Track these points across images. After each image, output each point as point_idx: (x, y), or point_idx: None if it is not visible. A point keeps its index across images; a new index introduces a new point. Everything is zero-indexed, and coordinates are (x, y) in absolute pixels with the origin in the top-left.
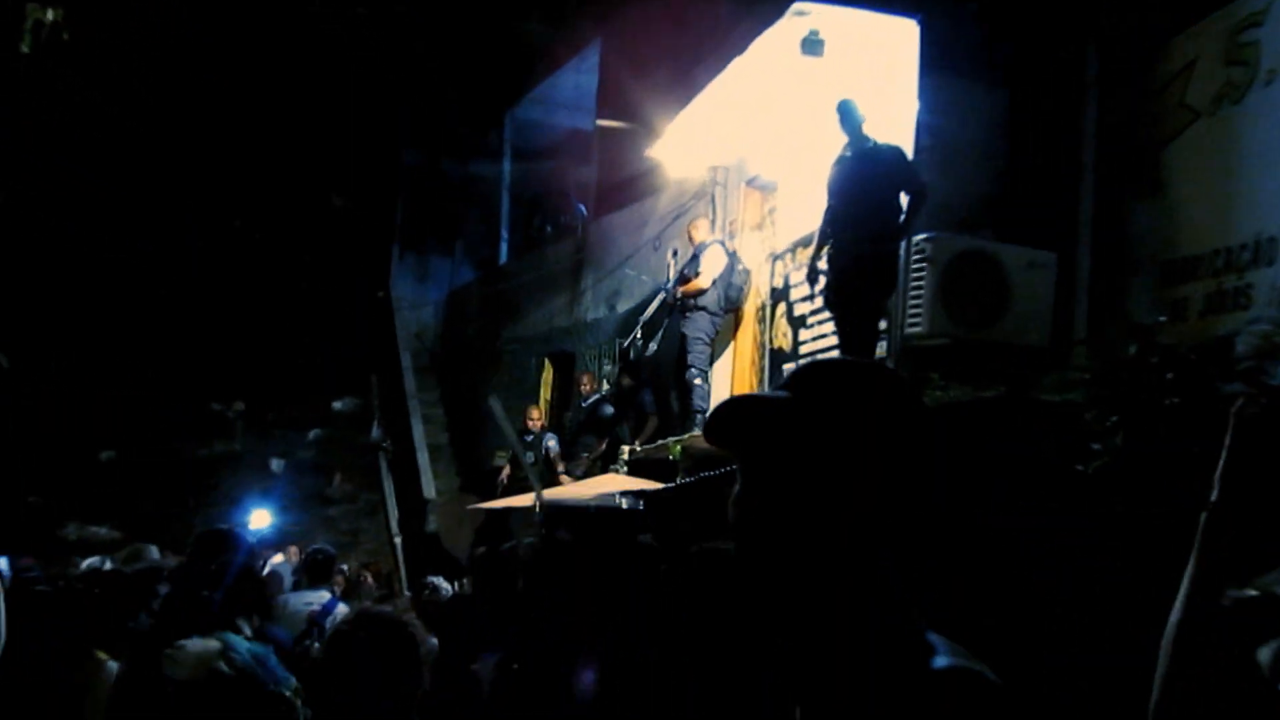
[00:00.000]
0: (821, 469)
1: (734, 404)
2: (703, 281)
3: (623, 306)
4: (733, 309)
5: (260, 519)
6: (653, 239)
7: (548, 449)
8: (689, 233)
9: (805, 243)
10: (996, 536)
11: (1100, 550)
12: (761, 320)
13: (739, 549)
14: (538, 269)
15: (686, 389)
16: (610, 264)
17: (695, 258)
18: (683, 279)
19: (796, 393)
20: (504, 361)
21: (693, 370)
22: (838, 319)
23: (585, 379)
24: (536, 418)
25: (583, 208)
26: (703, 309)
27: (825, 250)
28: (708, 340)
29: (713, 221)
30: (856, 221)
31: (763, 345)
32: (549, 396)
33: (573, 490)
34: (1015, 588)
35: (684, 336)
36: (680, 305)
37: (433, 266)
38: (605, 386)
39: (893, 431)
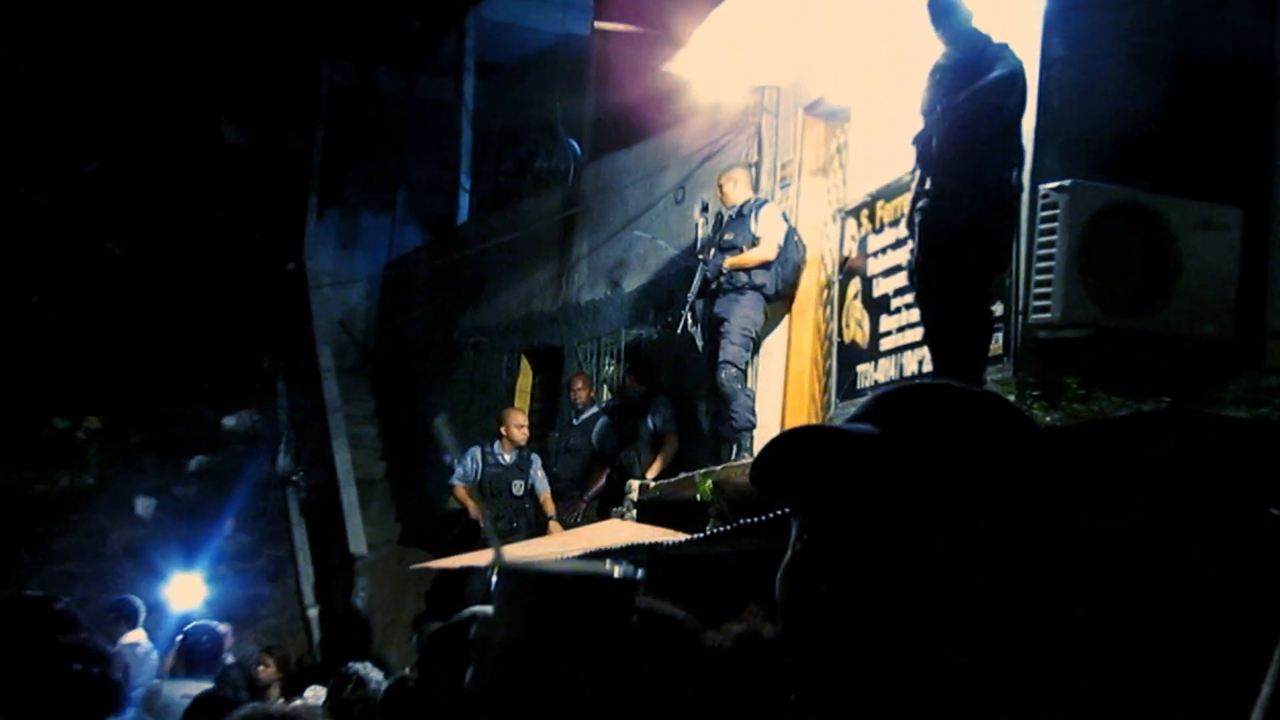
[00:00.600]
0: (917, 539)
1: (798, 439)
2: (765, 251)
3: (631, 283)
4: (788, 292)
5: (186, 590)
6: (674, 189)
7: (532, 483)
8: (721, 187)
9: (889, 193)
10: (1105, 540)
11: (1224, 564)
12: (826, 304)
13: (790, 639)
14: (511, 231)
15: (721, 399)
16: (613, 224)
17: (742, 218)
18: (725, 248)
19: (886, 429)
20: (463, 361)
21: (731, 371)
22: (926, 301)
23: (579, 385)
24: (521, 425)
25: (575, 145)
26: (757, 289)
27: (917, 205)
28: (753, 332)
29: (756, 166)
30: (954, 160)
31: (828, 338)
32: (527, 409)
33: (557, 544)
34: (1112, 590)
35: (720, 326)
36: (722, 284)
37: (365, 228)
38: (606, 395)
39: (1011, 498)
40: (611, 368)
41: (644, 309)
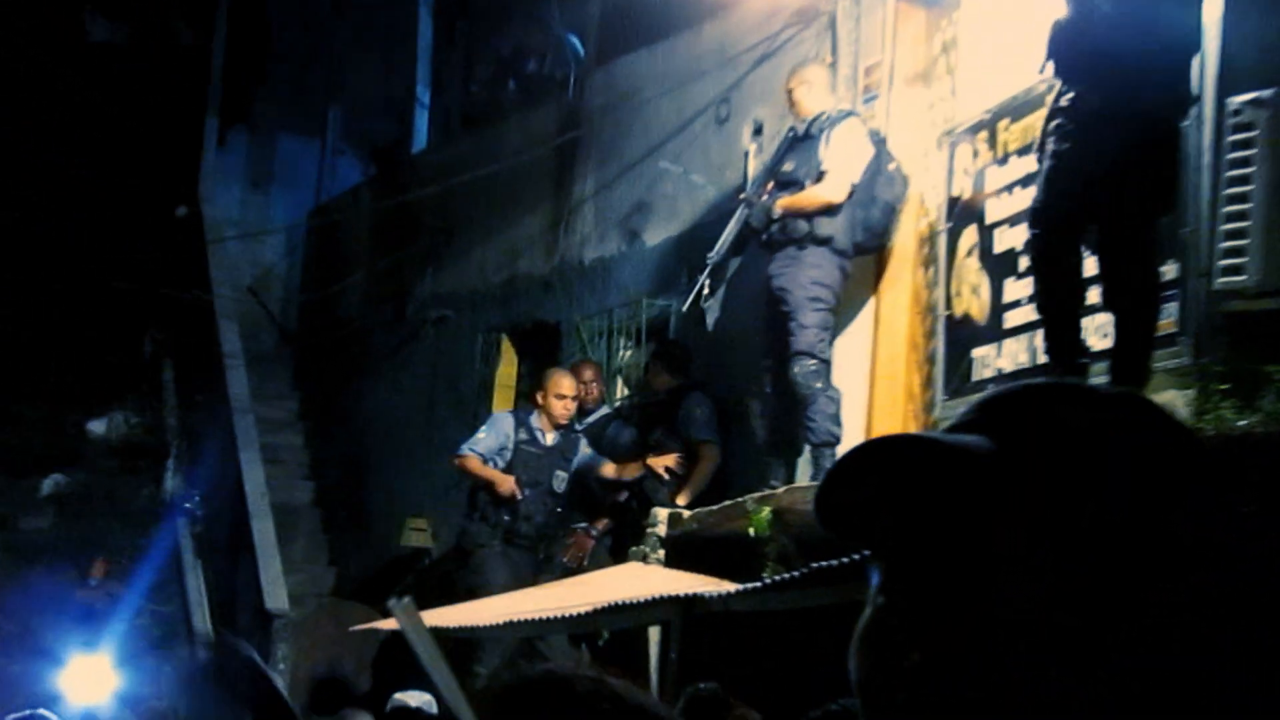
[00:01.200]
0: (1040, 597)
1: (879, 455)
2: (830, 190)
3: (655, 235)
4: (876, 246)
5: (89, 679)
6: (716, 102)
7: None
8: (790, 92)
9: (1017, 109)
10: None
11: None
12: (928, 264)
13: None
14: (488, 163)
15: (796, 402)
16: (630, 153)
17: (809, 139)
18: (783, 183)
19: (1001, 440)
20: (421, 344)
21: (807, 365)
22: (1051, 262)
23: (587, 377)
24: (566, 395)
25: (577, 43)
26: (823, 242)
27: (1051, 126)
28: (829, 302)
29: (832, 68)
30: (1107, 64)
31: (931, 311)
32: (511, 407)
33: (554, 598)
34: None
35: (779, 295)
36: (774, 235)
37: (283, 159)
38: (620, 392)
39: (1166, 543)
40: (628, 353)
41: (673, 271)
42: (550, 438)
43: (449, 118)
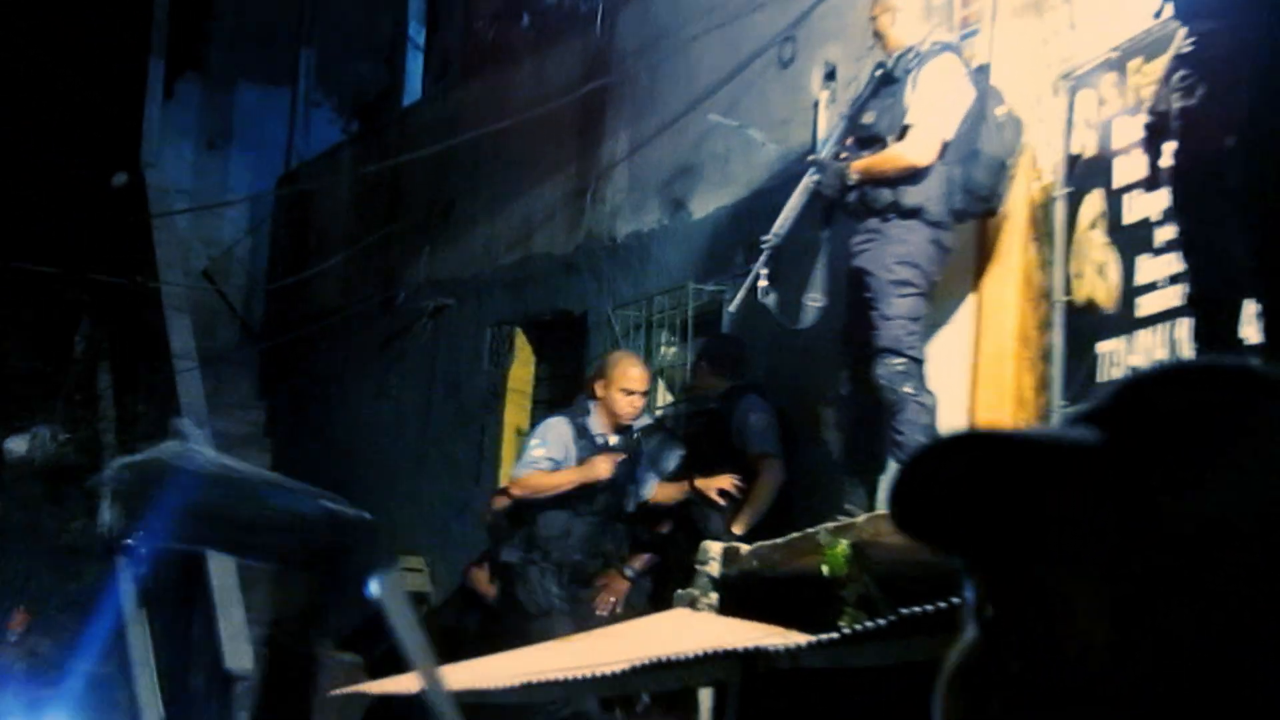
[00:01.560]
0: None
1: (968, 448)
2: (914, 149)
3: (704, 204)
4: (981, 211)
5: None
6: (778, 40)
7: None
8: (875, 20)
9: (1151, 48)
10: None
11: None
12: (1042, 238)
13: None
14: (498, 117)
15: (871, 403)
16: (672, 102)
17: (894, 82)
18: (864, 139)
19: (1117, 438)
20: (416, 339)
21: (894, 365)
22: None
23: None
24: (634, 388)
25: None
26: (911, 214)
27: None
28: (920, 286)
29: None
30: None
31: (1046, 295)
32: (524, 425)
33: (589, 651)
34: None
35: (859, 278)
36: (853, 202)
37: (245, 114)
38: (663, 398)
39: None
40: (670, 350)
41: (726, 249)
42: (614, 441)
43: (448, 62)
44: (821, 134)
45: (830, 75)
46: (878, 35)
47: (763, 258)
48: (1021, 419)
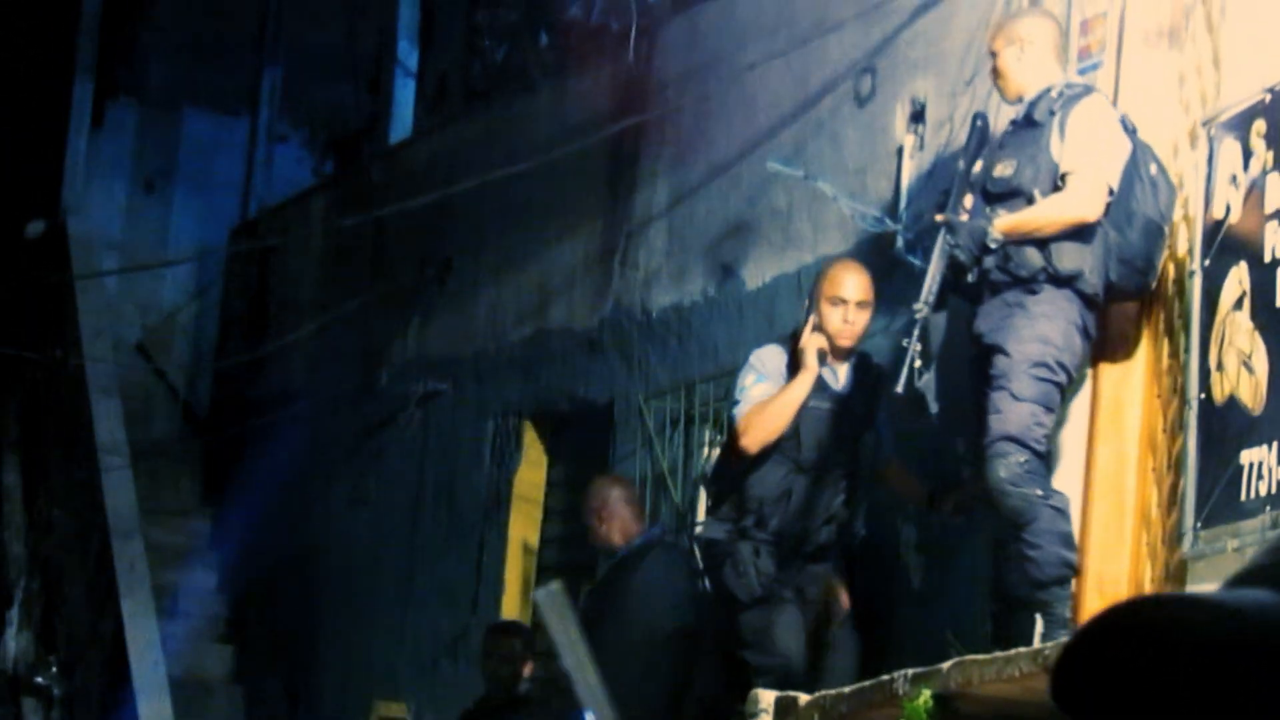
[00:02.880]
0: None
1: (1136, 622)
2: (1078, 200)
3: (761, 271)
4: (1137, 287)
5: None
6: (853, 72)
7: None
8: (997, 56)
9: None
10: None
11: None
12: (1174, 320)
13: None
14: (506, 159)
15: (1002, 516)
16: (722, 147)
17: (1033, 128)
18: (995, 194)
19: None
20: (401, 432)
21: (1018, 463)
22: None
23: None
24: (852, 301)
25: None
26: (1066, 281)
27: None
28: (1058, 375)
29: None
30: None
31: (1179, 390)
32: (533, 541)
33: None
34: None
35: (990, 363)
36: (991, 269)
37: (194, 145)
38: (702, 505)
39: None
40: (715, 451)
41: (786, 325)
42: (842, 376)
43: (446, 89)
44: (905, 185)
45: (918, 115)
46: (996, 73)
47: (916, 331)
48: (1145, 540)
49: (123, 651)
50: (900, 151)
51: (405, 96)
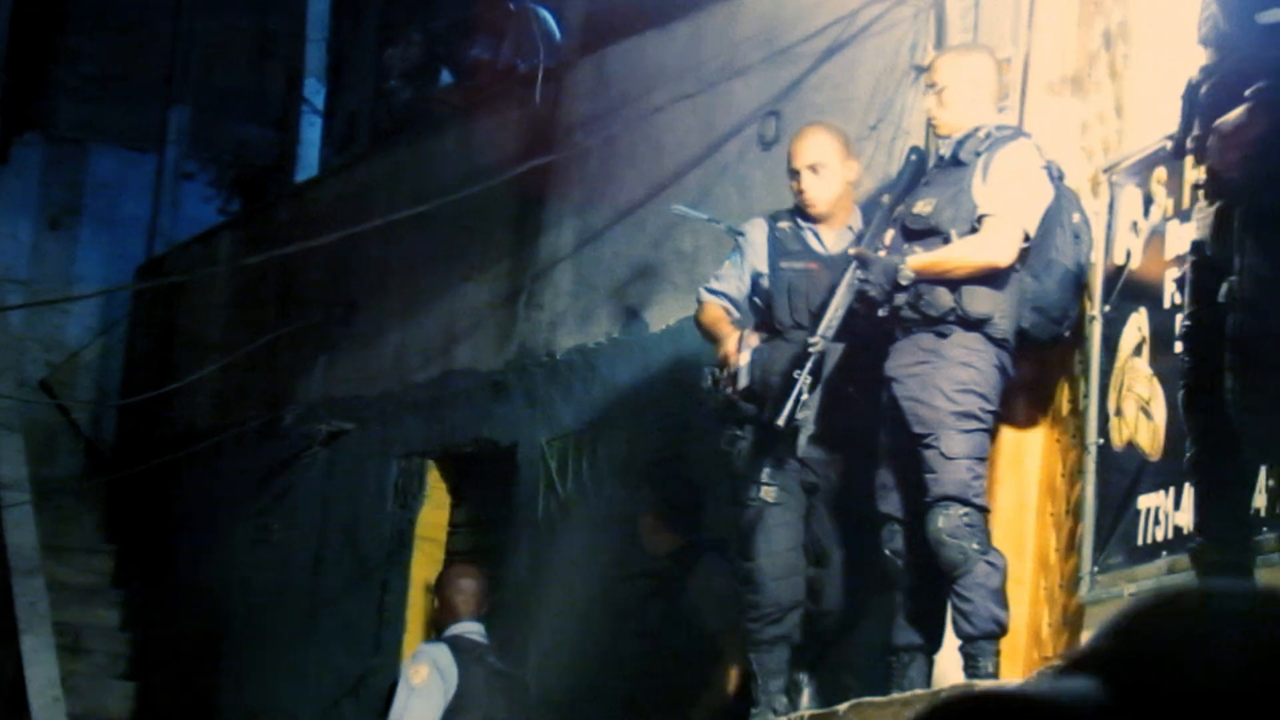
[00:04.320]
0: None
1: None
2: (994, 244)
3: (665, 315)
4: (1050, 336)
5: None
6: (759, 116)
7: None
8: (935, 96)
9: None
10: None
11: None
12: (1074, 366)
13: None
14: (412, 199)
15: (939, 570)
16: (629, 189)
17: (955, 167)
18: (914, 231)
19: (1124, 685)
20: (305, 472)
21: (958, 516)
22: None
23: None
24: (798, 160)
25: (551, 19)
26: (976, 325)
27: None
28: (985, 421)
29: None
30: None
31: (1078, 435)
32: (431, 578)
33: None
34: None
35: (906, 409)
36: (902, 308)
37: (100, 182)
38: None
39: None
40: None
41: (692, 368)
42: (830, 240)
43: (354, 129)
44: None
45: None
46: (934, 108)
47: (808, 364)
48: (1043, 587)
49: (22, 690)
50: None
51: (313, 136)
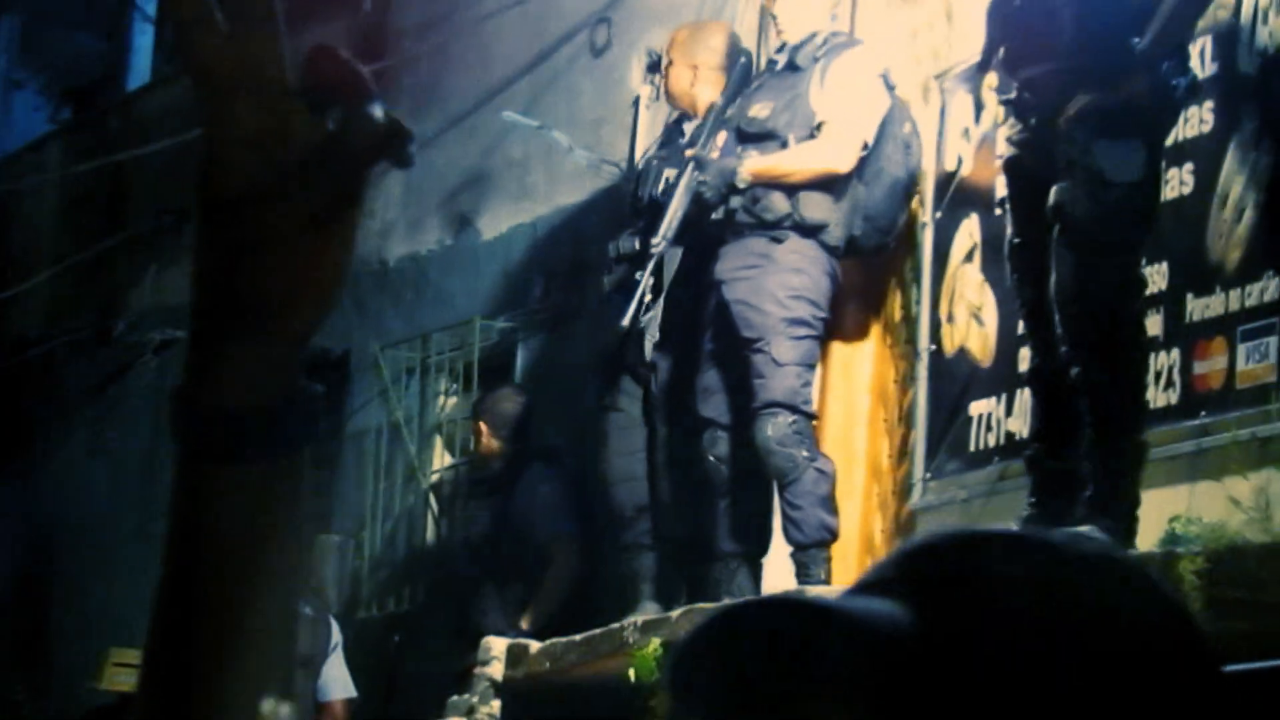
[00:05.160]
0: None
1: (755, 625)
2: (832, 149)
3: (497, 223)
4: (876, 245)
5: None
6: (589, 24)
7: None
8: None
9: None
10: None
11: None
12: (905, 273)
13: None
14: None
15: (768, 475)
16: (459, 98)
17: (794, 72)
18: (751, 135)
19: (926, 616)
20: (136, 377)
21: (786, 423)
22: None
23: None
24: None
25: None
26: (811, 231)
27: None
28: (815, 327)
29: None
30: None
31: (910, 341)
32: None
33: None
34: None
35: (736, 314)
36: (735, 216)
37: None
38: (441, 460)
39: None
40: (452, 401)
41: (523, 277)
42: (689, 131)
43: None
44: (642, 138)
45: (654, 66)
46: (770, 15)
47: (649, 265)
48: (875, 494)
49: None
50: (636, 102)
51: (144, 44)
